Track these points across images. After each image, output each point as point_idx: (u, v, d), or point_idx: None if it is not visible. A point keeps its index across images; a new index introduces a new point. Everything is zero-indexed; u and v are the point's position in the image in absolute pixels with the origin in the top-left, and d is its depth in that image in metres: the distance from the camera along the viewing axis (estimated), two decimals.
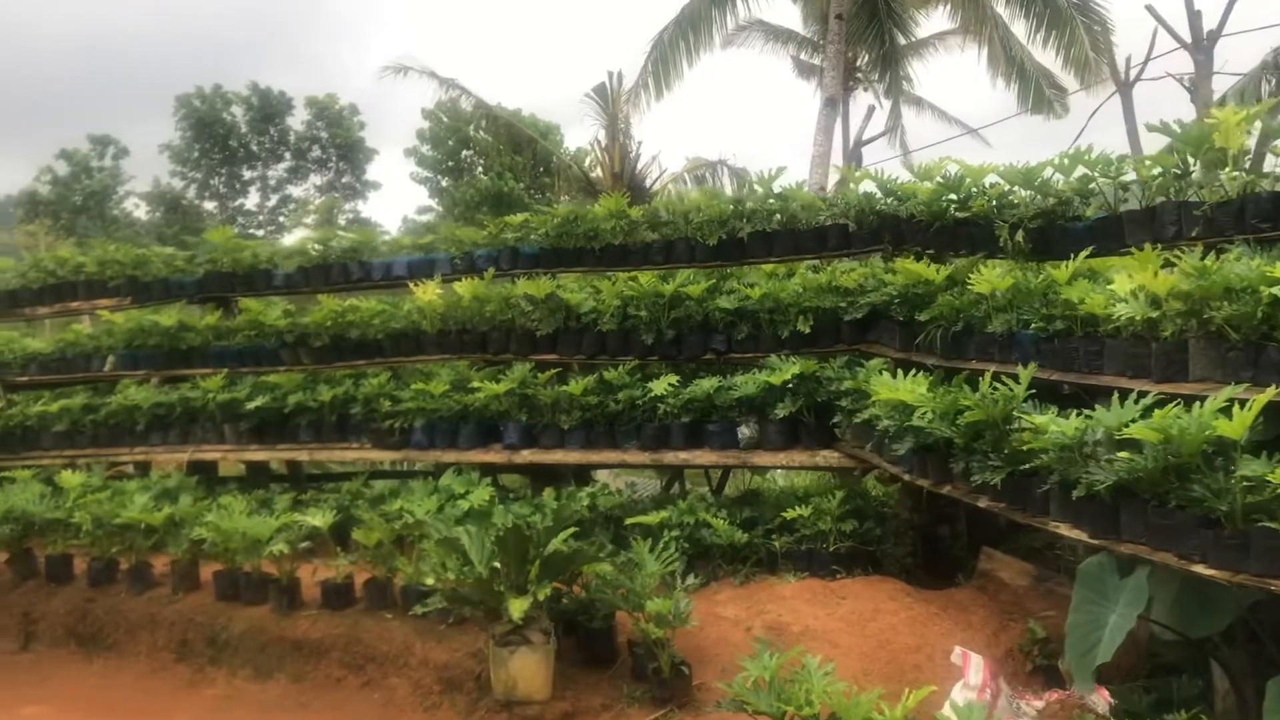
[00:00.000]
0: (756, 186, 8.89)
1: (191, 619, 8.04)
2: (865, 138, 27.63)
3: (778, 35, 28.90)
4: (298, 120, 42.03)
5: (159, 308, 10.84)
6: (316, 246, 10.47)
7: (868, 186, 8.65)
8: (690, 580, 6.48)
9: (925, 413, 6.23)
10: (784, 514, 7.60)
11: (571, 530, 6.35)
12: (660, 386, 8.21)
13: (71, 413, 10.43)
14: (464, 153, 37.49)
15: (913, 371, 6.74)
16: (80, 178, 38.46)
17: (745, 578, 7.49)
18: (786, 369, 7.80)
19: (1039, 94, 26.14)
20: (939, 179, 7.85)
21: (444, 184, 37.18)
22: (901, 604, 6.65)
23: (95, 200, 38.25)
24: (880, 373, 7.39)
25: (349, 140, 42.72)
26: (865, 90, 28.56)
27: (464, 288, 9.24)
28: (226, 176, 41.60)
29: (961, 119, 28.93)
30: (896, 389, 6.39)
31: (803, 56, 29.04)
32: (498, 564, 6.15)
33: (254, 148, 41.93)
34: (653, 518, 7.65)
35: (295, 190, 42.70)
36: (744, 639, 6.48)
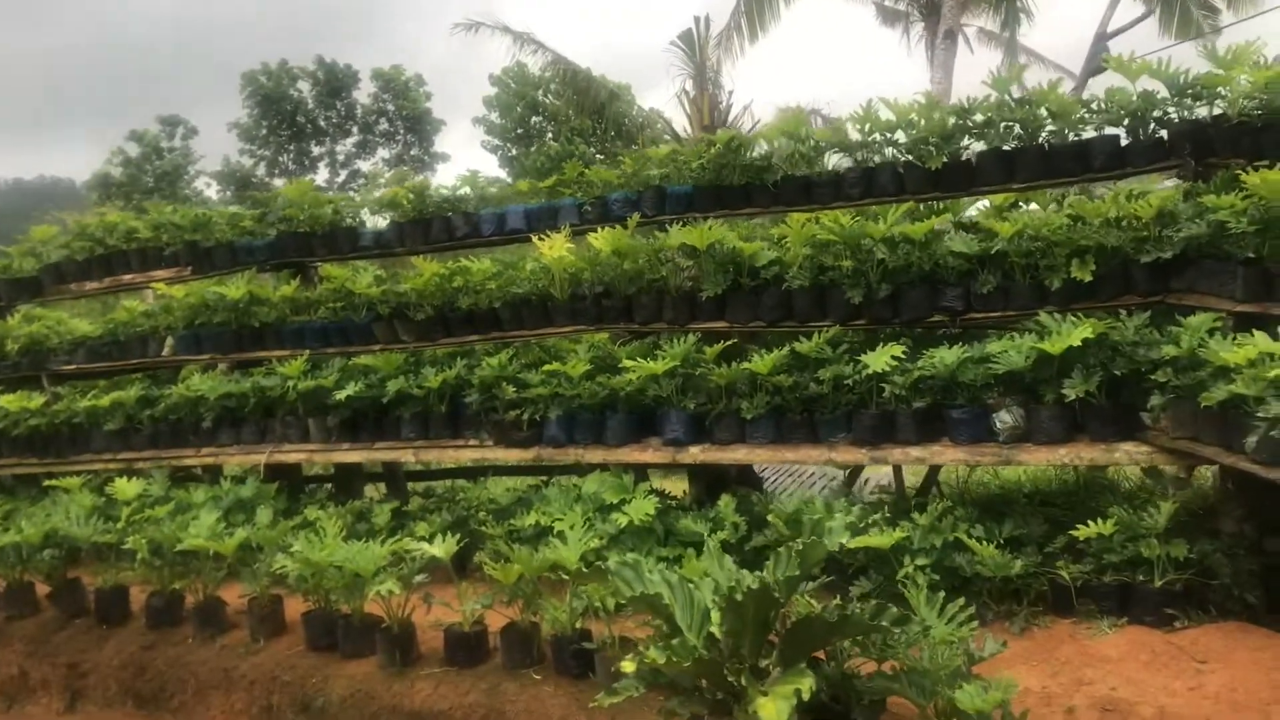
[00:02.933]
0: (989, 88, 6.69)
1: (276, 676, 6.19)
2: (1111, 29, 24.03)
3: None
4: (364, 94, 41.46)
5: (225, 278, 8.97)
6: (411, 196, 8.49)
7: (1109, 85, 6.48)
8: (990, 645, 4.39)
9: None
10: (1072, 532, 5.50)
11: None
12: (880, 360, 6.11)
13: (126, 407, 8.64)
14: (533, 119, 36.64)
15: None
16: (151, 159, 37.50)
17: (1025, 622, 5.43)
18: (1071, 331, 5.64)
19: (1185, 16, 23.37)
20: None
21: (513, 152, 35.95)
22: None
23: (167, 181, 37.41)
24: (1220, 335, 5.23)
25: (416, 112, 42.15)
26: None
27: (601, 240, 7.21)
28: (295, 153, 41.00)
29: (1064, 64, 26.13)
30: None
31: (887, 3, 26.88)
32: (716, 631, 4.15)
33: (321, 123, 41.55)
34: (884, 539, 5.60)
35: (364, 165, 41.90)
36: None
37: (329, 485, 8.88)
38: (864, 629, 3.98)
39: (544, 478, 7.98)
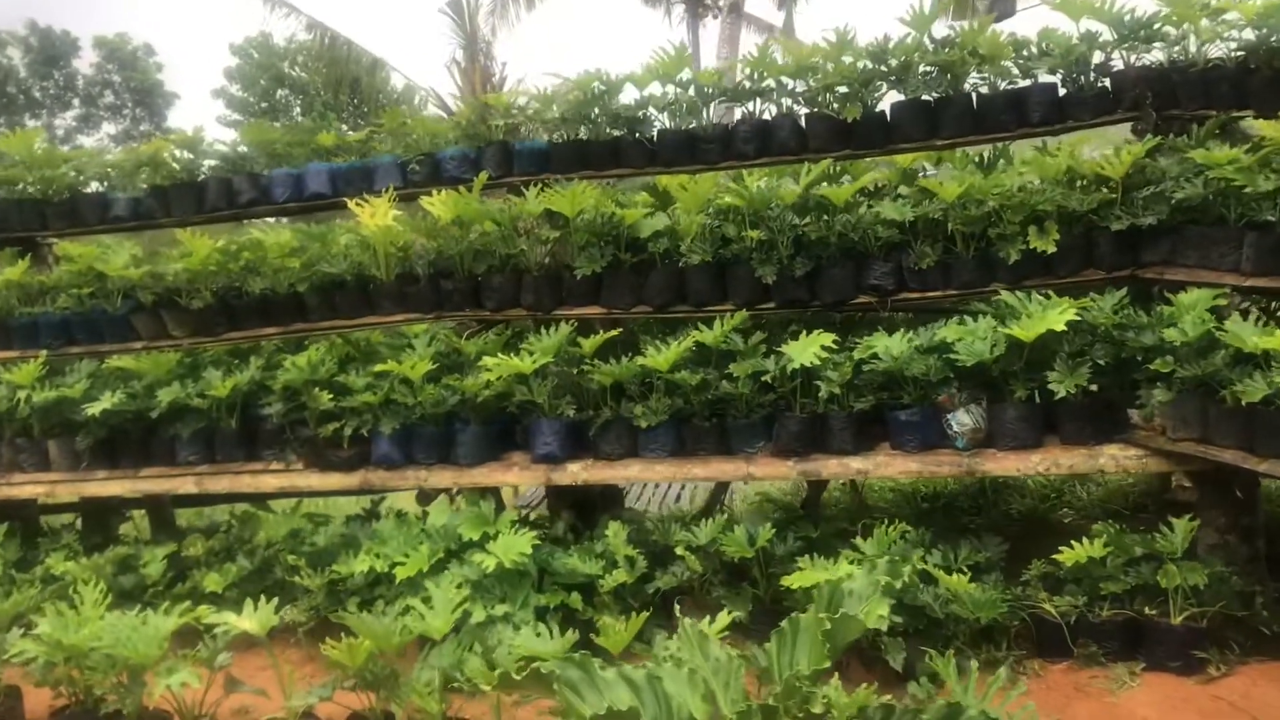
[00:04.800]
0: (907, 27, 5.65)
1: None
2: None
3: None
4: (86, 63, 37.92)
5: None
6: (179, 153, 6.70)
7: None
8: None
9: None
10: (1057, 557, 4.54)
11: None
12: (807, 351, 4.96)
13: None
14: (279, 92, 34.32)
15: None
16: None
17: (1012, 669, 4.42)
18: (1047, 313, 4.66)
19: None
20: None
21: None
22: None
23: None
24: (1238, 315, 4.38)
25: (145, 83, 38.89)
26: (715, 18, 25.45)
27: (440, 205, 5.75)
28: (6, 126, 36.68)
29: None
30: None
31: None
32: None
33: (36, 94, 37.75)
34: (830, 573, 4.48)
35: (87, 141, 38.29)
36: None
37: (71, 518, 6.96)
38: None
39: (370, 499, 6.42)
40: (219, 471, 5.91)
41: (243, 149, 6.77)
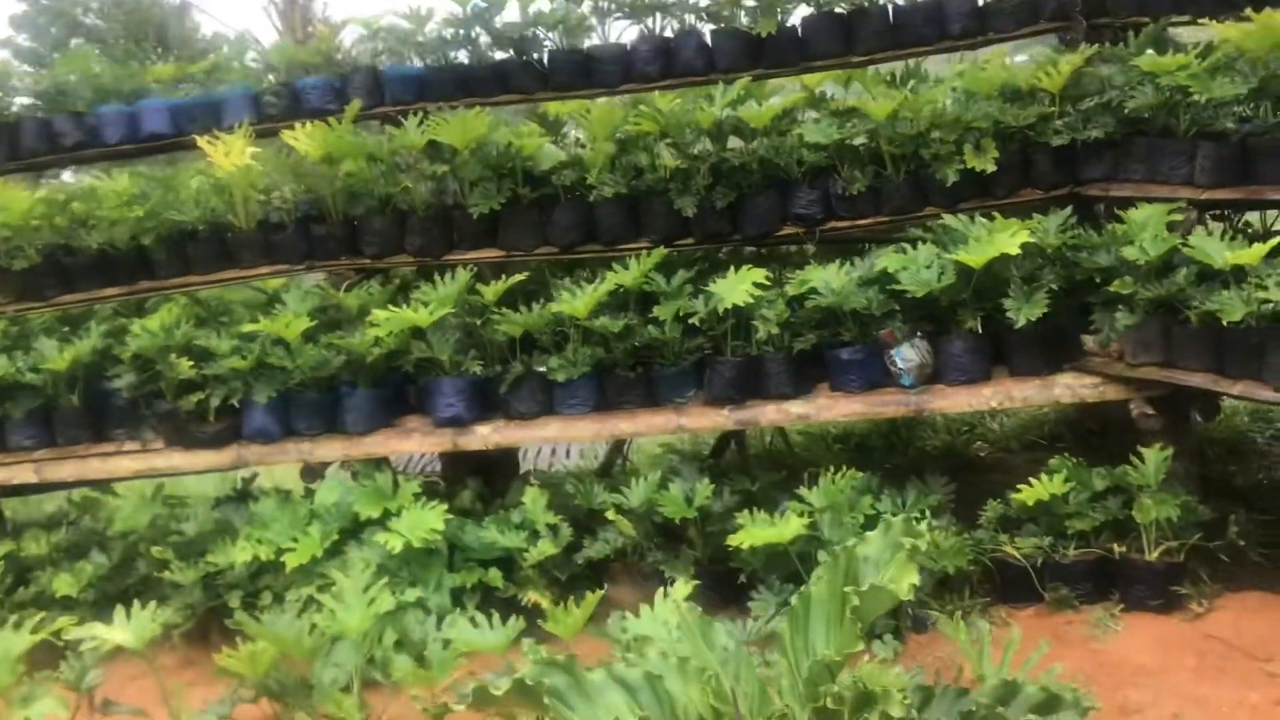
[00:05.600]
0: None
1: None
2: None
3: None
4: None
5: None
6: None
7: None
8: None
9: None
10: (1016, 496, 4.28)
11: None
12: (738, 290, 4.50)
13: None
14: (73, 41, 31.89)
15: None
16: None
17: (980, 615, 4.15)
18: (995, 236, 4.33)
19: None
20: None
21: None
22: None
23: None
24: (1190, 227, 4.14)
25: None
26: None
27: (307, 139, 5.03)
28: None
29: None
30: None
31: None
32: None
33: None
34: (778, 531, 4.11)
35: None
36: None
37: None
38: None
39: (241, 478, 5.68)
40: (62, 456, 5.09)
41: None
